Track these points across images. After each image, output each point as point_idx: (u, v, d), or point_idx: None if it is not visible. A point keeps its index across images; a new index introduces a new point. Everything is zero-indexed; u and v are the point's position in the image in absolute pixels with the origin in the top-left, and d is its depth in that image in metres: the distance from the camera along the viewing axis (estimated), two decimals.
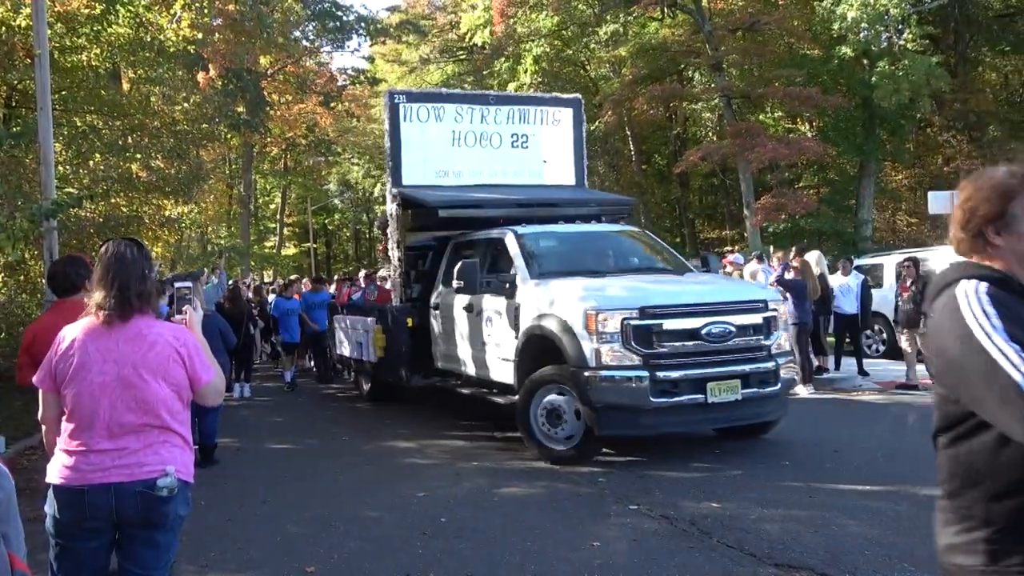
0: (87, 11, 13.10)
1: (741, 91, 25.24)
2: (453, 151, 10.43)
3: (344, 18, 31.96)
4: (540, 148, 10.97)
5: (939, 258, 13.81)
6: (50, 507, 2.88)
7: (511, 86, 29.11)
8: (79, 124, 13.69)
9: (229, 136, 27.77)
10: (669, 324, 7.01)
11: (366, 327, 10.82)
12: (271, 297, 16.66)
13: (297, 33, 32.34)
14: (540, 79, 28.98)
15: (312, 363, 15.32)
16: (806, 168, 28.71)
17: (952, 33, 27.83)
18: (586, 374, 6.92)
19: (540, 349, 7.56)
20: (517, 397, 7.75)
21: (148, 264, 3.03)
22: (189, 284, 3.44)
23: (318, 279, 17.12)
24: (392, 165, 10.13)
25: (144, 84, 16.49)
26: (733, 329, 7.13)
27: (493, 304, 8.41)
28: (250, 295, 15.96)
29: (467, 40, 32.75)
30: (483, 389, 9.04)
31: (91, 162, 14.23)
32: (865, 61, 23.64)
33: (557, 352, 7.30)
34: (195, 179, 17.13)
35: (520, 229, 8.74)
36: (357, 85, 38.63)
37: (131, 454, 2.86)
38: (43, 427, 3.10)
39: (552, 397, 7.32)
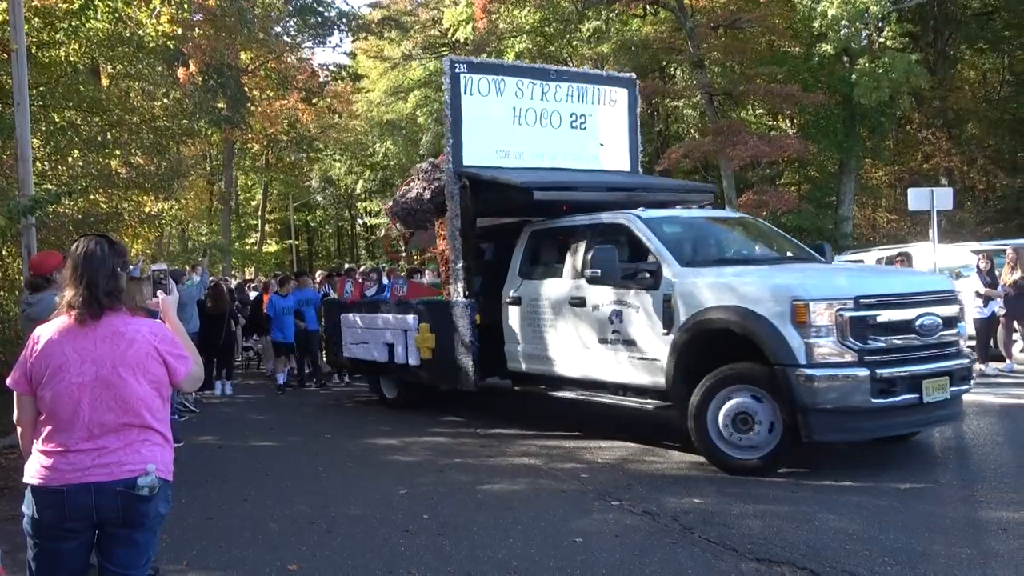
0: (65, 6, 12.97)
1: (723, 88, 25.35)
2: (514, 129, 9.47)
3: (325, 14, 31.88)
4: (598, 130, 10.13)
5: (919, 254, 13.93)
6: (28, 507, 2.85)
7: None
8: (57, 120, 13.55)
9: (210, 132, 27.62)
10: (884, 316, 6.33)
11: (403, 326, 9.73)
12: (252, 295, 16.53)
13: (278, 28, 32.20)
14: None
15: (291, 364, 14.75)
16: (787, 165, 28.89)
17: (931, 31, 28.06)
18: (796, 373, 6.10)
19: (707, 346, 6.77)
20: (663, 402, 7.15)
21: (120, 261, 3.00)
22: (164, 267, 3.42)
23: (301, 272, 16.27)
24: (453, 142, 9.03)
25: (123, 80, 16.37)
26: (940, 321, 6.53)
27: (619, 296, 7.44)
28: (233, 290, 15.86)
29: (449, 36, 32.70)
30: (593, 393, 8.06)
31: (70, 158, 14.11)
32: (845, 59, 23.81)
33: (736, 348, 6.56)
34: (175, 175, 17.04)
35: (643, 213, 7.89)
36: (339, 81, 38.54)
37: (111, 453, 2.84)
38: (19, 429, 3.07)
39: (741, 400, 6.49)
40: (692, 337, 6.79)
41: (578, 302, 7.89)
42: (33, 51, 11.93)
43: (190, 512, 5.95)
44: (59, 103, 13.62)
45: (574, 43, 29.94)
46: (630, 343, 7.38)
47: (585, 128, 10.00)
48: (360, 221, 53.70)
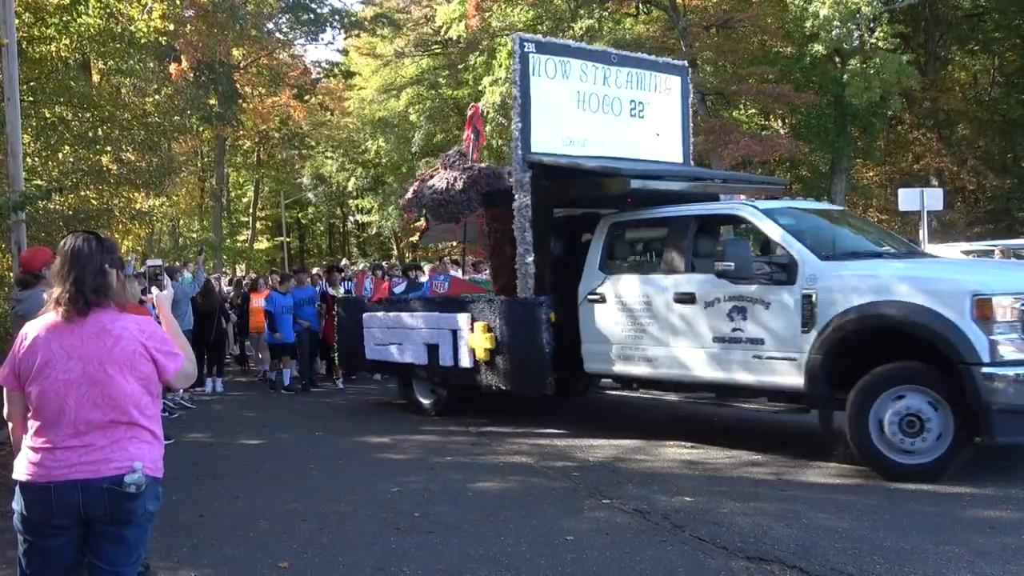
0: (56, 1, 12.92)
1: (715, 88, 25.38)
2: (577, 115, 8.91)
3: (318, 11, 31.78)
4: (654, 119, 9.64)
5: None
6: (17, 504, 2.85)
7: (486, 80, 29.08)
8: (48, 116, 13.51)
9: (201, 129, 27.53)
10: None
11: (451, 325, 8.98)
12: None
13: (270, 25, 32.10)
14: None
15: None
16: (779, 165, 28.95)
17: (922, 32, 28.17)
18: (980, 371, 5.72)
19: (856, 345, 6.42)
20: (793, 404, 6.85)
21: (108, 257, 2.98)
22: (159, 263, 3.42)
23: (299, 269, 15.56)
24: (522, 126, 8.41)
25: (115, 76, 16.32)
26: None
27: (741, 292, 6.96)
28: (227, 289, 15.81)
29: (442, 34, 32.64)
30: (702, 394, 7.66)
31: (60, 154, 14.06)
32: (837, 59, 23.88)
33: (894, 345, 6.26)
34: (166, 172, 16.97)
35: (759, 204, 7.53)
36: (331, 78, 38.48)
37: (98, 450, 2.83)
38: (9, 425, 3.07)
39: (910, 401, 6.09)
40: (844, 335, 6.37)
41: (685, 298, 7.37)
42: (24, 46, 11.89)
43: (181, 509, 5.94)
44: (50, 99, 13.57)
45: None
46: (756, 341, 6.91)
47: (643, 116, 9.55)
48: (352, 219, 53.59)
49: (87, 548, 2.89)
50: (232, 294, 15.34)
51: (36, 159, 13.29)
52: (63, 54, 13.46)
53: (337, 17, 32.57)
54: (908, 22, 27.17)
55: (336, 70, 37.57)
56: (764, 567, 4.49)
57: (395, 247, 45.13)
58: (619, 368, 8.04)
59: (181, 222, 37.29)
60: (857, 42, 23.24)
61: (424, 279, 11.98)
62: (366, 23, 34.47)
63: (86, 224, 12.47)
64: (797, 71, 24.58)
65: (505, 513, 5.67)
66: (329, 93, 39.11)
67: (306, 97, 35.20)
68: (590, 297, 8.18)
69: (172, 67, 23.52)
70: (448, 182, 9.31)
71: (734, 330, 7.06)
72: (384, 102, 36.01)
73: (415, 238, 36.93)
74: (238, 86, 30.24)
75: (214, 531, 5.53)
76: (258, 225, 47.16)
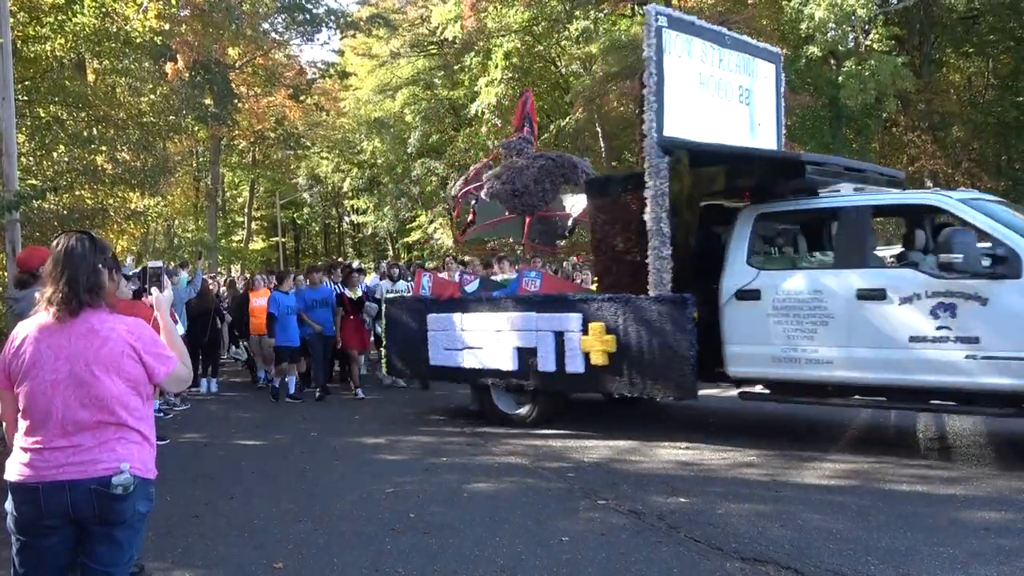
0: (51, 0, 12.90)
1: None
2: (697, 97, 8.30)
3: (314, 11, 31.73)
4: (756, 106, 9.20)
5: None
6: (9, 504, 2.85)
7: (481, 81, 29.10)
8: (43, 115, 13.49)
9: (196, 129, 27.47)
10: None
11: (555, 326, 8.18)
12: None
13: (266, 25, 32.05)
14: (511, 75, 29.00)
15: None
16: None
17: (918, 34, 28.24)
18: None
19: None
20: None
21: (101, 258, 2.98)
22: (159, 264, 3.40)
23: (313, 268, 14.11)
24: (657, 107, 7.72)
25: (110, 75, 16.29)
26: None
27: (948, 287, 6.48)
28: (223, 290, 15.74)
29: (438, 34, 32.66)
30: (891, 399, 7.16)
31: (55, 154, 14.05)
32: (832, 61, 23.95)
33: None
34: (161, 172, 16.96)
35: (957, 195, 7.06)
36: (327, 79, 38.42)
37: (85, 451, 2.82)
38: (2, 425, 3.06)
39: None
40: None
41: (873, 294, 6.80)
42: (18, 45, 11.87)
43: (175, 510, 5.93)
44: (44, 98, 13.56)
45: (562, 43, 29.98)
46: (971, 340, 6.40)
47: (748, 103, 9.11)
48: (347, 219, 53.57)
49: (80, 548, 2.89)
50: (226, 295, 15.27)
51: (31, 159, 13.27)
52: (58, 53, 13.44)
53: (333, 17, 32.52)
54: (903, 24, 27.23)
55: (332, 70, 37.50)
56: (759, 568, 4.50)
57: (391, 247, 45.12)
58: (777, 372, 7.35)
59: (176, 222, 37.24)
60: (852, 44, 23.34)
61: (503, 276, 11.17)
62: (362, 23, 34.43)
63: (81, 224, 12.45)
64: (792, 73, 24.59)
65: (501, 514, 5.67)
66: (325, 93, 39.08)
67: (302, 97, 35.14)
68: (739, 294, 7.48)
69: (167, 67, 23.49)
70: (519, 172, 8.79)
71: (940, 328, 6.53)
72: (380, 103, 36.04)
73: (427, 237, 36.85)
74: (233, 86, 30.17)
75: (209, 531, 5.52)
76: (253, 225, 47.13)
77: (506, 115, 29.98)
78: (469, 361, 8.92)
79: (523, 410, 8.92)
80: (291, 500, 6.26)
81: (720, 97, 8.63)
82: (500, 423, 8.90)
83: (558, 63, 31.83)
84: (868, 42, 23.05)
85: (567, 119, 29.15)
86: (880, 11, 22.71)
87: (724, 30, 9.01)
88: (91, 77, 16.80)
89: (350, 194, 45.73)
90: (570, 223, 10.40)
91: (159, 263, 3.36)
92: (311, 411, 10.61)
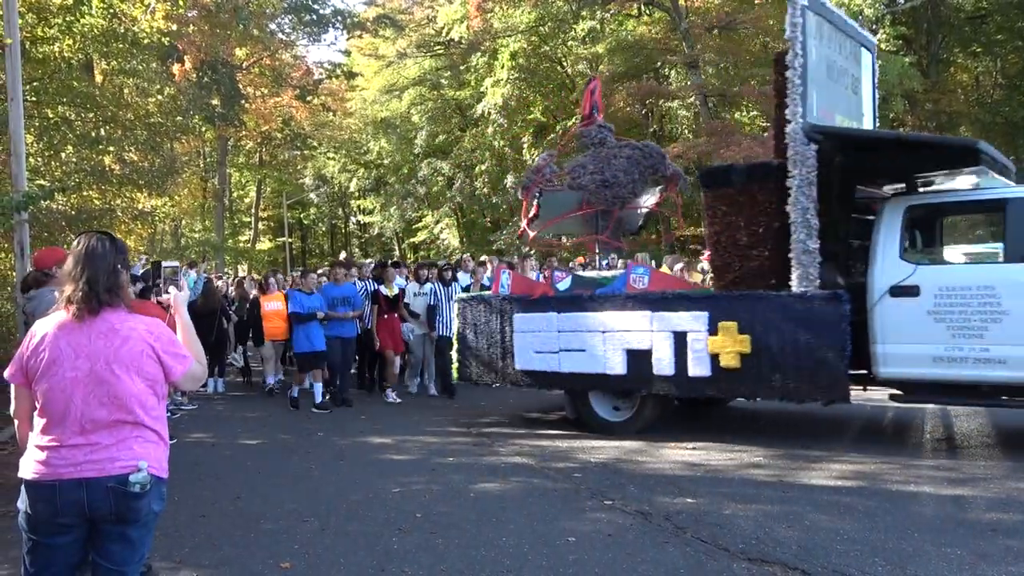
0: (59, 1, 12.94)
1: (717, 89, 25.41)
2: (827, 84, 7.87)
3: (321, 11, 31.84)
4: (862, 96, 8.84)
5: None
6: (22, 503, 2.86)
7: (488, 81, 29.13)
8: (51, 116, 13.54)
9: (203, 129, 27.59)
10: None
11: (675, 326, 7.64)
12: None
13: (273, 26, 32.17)
14: (517, 75, 29.00)
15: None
16: None
17: (925, 34, 28.18)
18: None
19: None
20: None
21: (120, 258, 3.01)
22: (175, 264, 3.44)
23: (338, 263, 13.01)
24: (803, 90, 7.29)
25: (117, 76, 16.35)
26: None
27: None
28: (230, 291, 15.72)
29: (444, 35, 32.70)
30: None
31: (63, 154, 14.10)
32: None
33: None
34: (169, 172, 17.03)
35: None
36: (333, 79, 38.49)
37: (103, 449, 2.84)
38: (15, 421, 3.08)
39: None
40: None
41: None
42: (27, 46, 11.90)
43: (182, 510, 5.95)
44: (53, 99, 13.60)
45: (569, 43, 29.97)
46: None
47: (858, 93, 8.76)
48: (354, 219, 53.62)
49: (91, 547, 2.90)
50: (235, 294, 15.26)
51: (39, 159, 13.32)
52: (66, 54, 13.49)
53: (339, 18, 32.62)
54: (910, 24, 27.17)
55: (338, 71, 37.58)
56: (766, 569, 4.49)
57: (397, 247, 45.17)
58: (938, 372, 6.94)
59: (183, 222, 37.35)
60: None
61: (600, 273, 10.66)
62: (368, 24, 34.52)
63: (88, 224, 12.49)
64: None
65: (507, 514, 5.67)
66: (331, 94, 39.14)
67: (308, 98, 35.22)
68: (893, 291, 7.10)
69: (175, 67, 23.57)
70: (606, 162, 8.45)
71: None
72: (386, 103, 36.10)
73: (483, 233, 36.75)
74: (240, 86, 30.29)
75: (216, 531, 5.53)
76: (260, 225, 47.27)
77: (513, 115, 30.03)
78: (567, 365, 8.30)
79: (626, 417, 8.36)
80: (297, 500, 6.26)
81: (839, 85, 8.24)
82: (600, 431, 8.32)
83: (564, 63, 31.84)
84: (875, 41, 23.00)
85: (573, 119, 29.08)
86: (887, 11, 22.66)
87: (845, 16, 8.51)
88: (99, 78, 16.86)
89: (356, 194, 45.83)
90: (642, 218, 9.91)
91: (175, 263, 3.39)
92: (316, 412, 10.60)
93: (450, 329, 11.07)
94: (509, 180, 30.94)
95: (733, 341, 7.33)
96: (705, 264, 12.99)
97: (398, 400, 11.05)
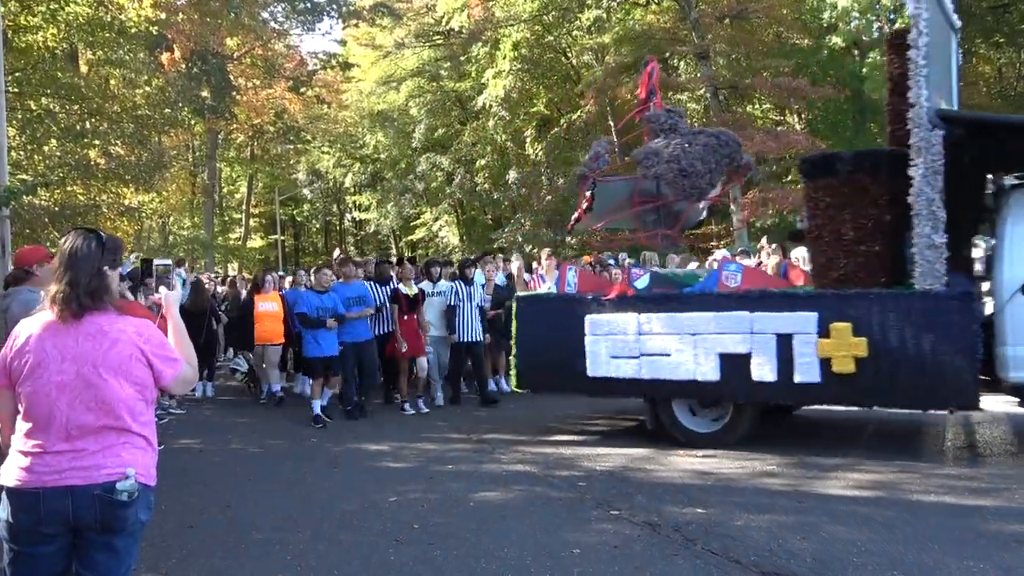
0: None
1: (728, 81, 25.37)
2: (934, 67, 7.54)
3: None
4: (951, 82, 8.48)
5: None
6: (4, 511, 2.85)
7: (489, 73, 29.11)
8: (34, 108, 13.55)
9: (193, 122, 27.61)
10: None
11: (781, 327, 7.28)
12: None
13: (265, 14, 32.23)
14: (519, 66, 28.98)
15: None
16: (794, 162, 28.92)
17: None
18: None
19: None
20: None
21: (107, 259, 3.00)
22: (168, 263, 3.44)
23: (348, 260, 12.07)
24: (927, 72, 7.00)
25: (103, 66, 16.38)
26: None
27: None
28: (222, 289, 15.67)
29: (444, 24, 32.67)
30: None
31: (46, 148, 14.11)
32: (856, 51, 23.85)
33: None
34: (156, 167, 17.05)
35: None
36: (328, 70, 38.52)
37: (89, 456, 2.83)
38: None
39: None
40: None
41: None
42: (9, 35, 11.91)
43: (169, 519, 5.93)
44: (36, 90, 13.62)
45: (574, 32, 29.97)
46: None
47: (949, 77, 8.45)
48: (349, 216, 53.61)
49: (76, 557, 2.89)
50: (226, 292, 15.22)
51: (21, 153, 13.33)
52: (50, 44, 13.50)
53: (334, 6, 32.67)
54: None
55: (333, 61, 37.65)
56: None
57: (394, 245, 45.17)
58: None
59: (171, 219, 37.40)
60: (877, 34, 23.22)
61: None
62: (365, 12, 34.53)
63: (73, 220, 12.50)
64: (814, 64, 24.58)
65: (508, 524, 5.65)
66: (326, 85, 39.15)
67: (302, 89, 35.27)
68: None
69: (163, 57, 23.59)
70: (683, 150, 8.16)
71: None
72: (383, 95, 36.05)
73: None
74: (231, 77, 30.31)
75: (205, 541, 5.52)
76: (251, 222, 47.28)
77: (515, 108, 30.02)
78: (649, 370, 7.88)
79: (717, 427, 8.00)
80: (289, 509, 6.25)
81: (942, 67, 7.94)
82: (687, 444, 7.94)
83: (569, 54, 31.82)
84: (959, 24, 23.00)
85: (578, 112, 29.10)
86: None
87: None
88: (84, 68, 16.88)
89: (352, 190, 45.79)
90: (704, 210, 9.56)
91: (168, 261, 3.39)
92: (308, 416, 10.57)
93: (475, 333, 11.01)
94: (511, 175, 30.94)
95: (847, 344, 7.01)
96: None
97: (425, 410, 10.58)
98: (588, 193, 8.73)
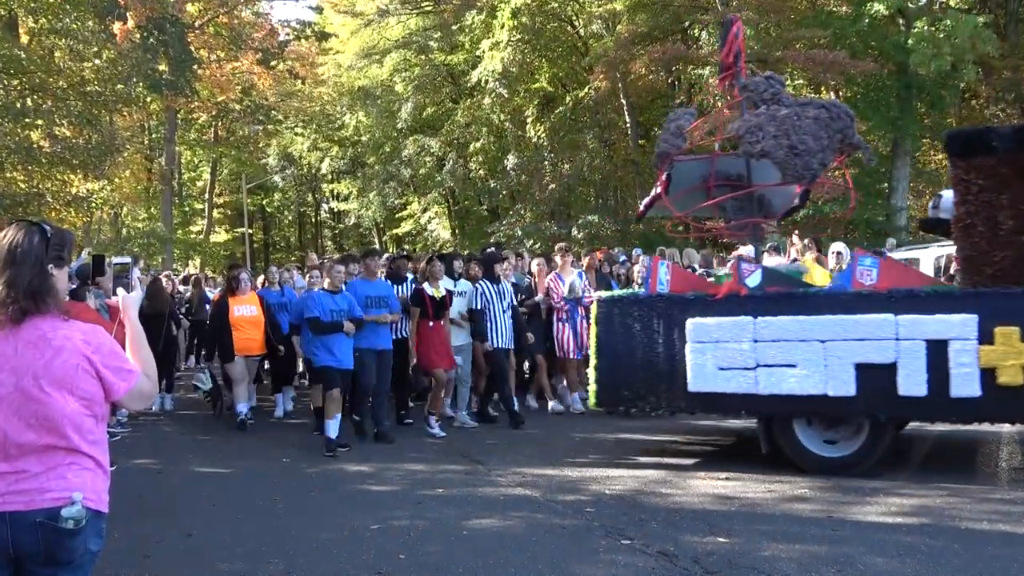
0: None
1: (756, 54, 25.36)
2: None
3: None
4: None
5: None
6: None
7: (485, 44, 29.12)
8: None
9: (149, 99, 27.58)
10: None
11: (931, 333, 6.98)
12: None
13: None
14: (519, 36, 28.98)
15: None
16: None
17: None
18: None
19: None
20: None
21: (52, 255, 2.98)
22: (128, 261, 3.42)
23: (371, 252, 11.58)
24: None
25: (47, 36, 16.37)
26: None
27: None
28: (184, 288, 15.61)
29: None
30: None
31: None
32: (901, 21, 23.85)
33: None
34: (107, 150, 17.05)
35: None
36: (302, 40, 38.52)
37: (31, 478, 2.82)
38: None
39: None
40: None
41: None
42: None
43: (122, 548, 5.94)
44: None
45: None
46: None
47: None
48: (326, 206, 53.64)
49: None
50: (190, 294, 15.18)
51: None
52: None
53: None
54: None
55: (308, 31, 37.64)
56: None
57: (377, 239, 45.20)
58: None
59: (125, 210, 37.39)
60: (924, 0, 23.23)
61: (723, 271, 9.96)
62: None
63: (12, 211, 12.50)
64: (853, 34, 24.56)
65: (506, 556, 5.68)
66: (300, 58, 39.18)
67: (273, 63, 35.27)
68: None
69: (116, 26, 23.56)
70: (788, 124, 7.94)
71: None
72: (365, 69, 36.08)
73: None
74: (192, 49, 30.27)
75: (163, 574, 5.54)
76: (215, 213, 47.25)
77: (514, 84, 30.03)
78: (767, 384, 7.47)
79: (850, 451, 7.61)
80: (259, 537, 6.27)
81: None
82: (811, 471, 7.57)
83: (576, 23, 31.84)
84: None
85: (586, 89, 29.13)
86: None
87: None
88: (25, 38, 16.89)
89: (329, 177, 45.86)
90: (796, 195, 9.33)
91: (127, 259, 3.38)
92: (281, 433, 10.61)
93: (508, 340, 10.68)
94: (509, 161, 30.94)
95: (1017, 351, 6.69)
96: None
97: (443, 433, 10.03)
98: (665, 175, 8.48)
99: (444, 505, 7.04)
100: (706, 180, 8.93)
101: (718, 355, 7.60)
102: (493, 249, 13.42)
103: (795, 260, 12.17)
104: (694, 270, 13.44)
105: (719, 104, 30.23)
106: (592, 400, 8.59)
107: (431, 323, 10.16)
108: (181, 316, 13.78)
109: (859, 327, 7.17)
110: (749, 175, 8.94)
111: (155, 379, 3.15)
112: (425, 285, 10.40)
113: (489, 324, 10.60)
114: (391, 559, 5.67)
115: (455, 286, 10.89)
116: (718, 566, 5.33)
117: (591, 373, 8.46)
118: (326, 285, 9.83)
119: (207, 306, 13.48)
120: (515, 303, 11.13)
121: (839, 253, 11.63)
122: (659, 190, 8.77)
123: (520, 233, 29.38)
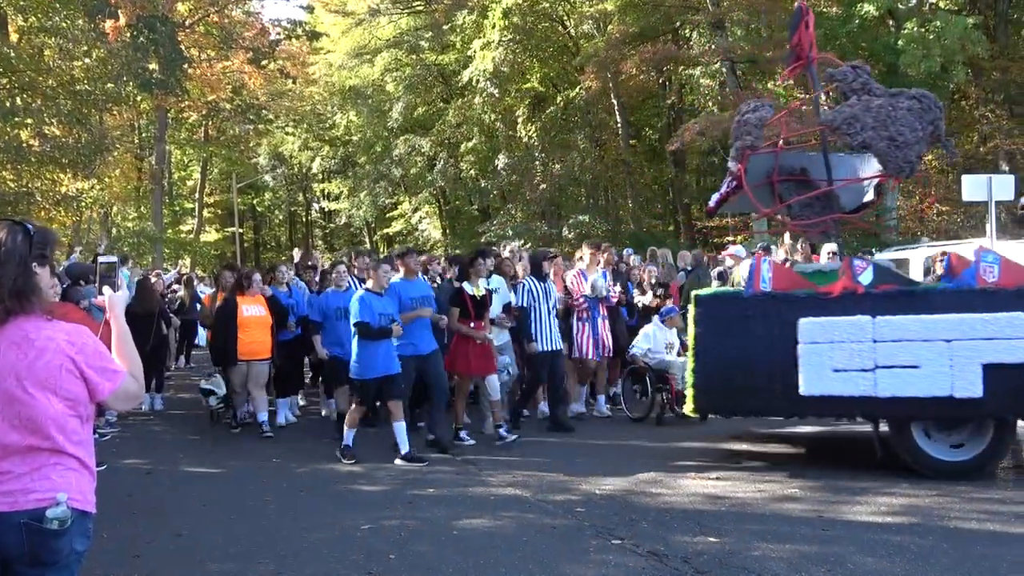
0: None
1: (746, 54, 25.45)
2: None
3: None
4: None
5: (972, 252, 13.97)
6: None
7: (476, 44, 29.12)
8: None
9: (139, 98, 27.52)
10: None
11: None
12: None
13: None
14: (510, 36, 28.99)
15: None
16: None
17: None
18: None
19: None
20: None
21: (36, 254, 2.97)
22: (113, 259, 3.39)
23: (408, 251, 10.22)
24: None
25: (37, 34, 16.30)
26: None
27: None
28: (176, 287, 15.57)
29: None
30: None
31: None
32: (891, 21, 23.90)
33: None
34: (97, 149, 16.98)
35: None
36: (293, 40, 38.47)
37: (15, 479, 2.82)
38: None
39: None
40: None
41: None
42: None
43: (111, 548, 5.93)
44: None
45: None
46: None
47: None
48: (316, 206, 53.59)
49: None
50: (183, 294, 15.15)
51: None
52: None
53: None
54: None
55: (299, 30, 37.59)
56: None
57: (368, 239, 45.16)
58: None
59: (114, 209, 37.27)
60: (914, 2, 23.30)
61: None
62: None
63: (2, 211, 12.44)
64: (843, 35, 24.62)
65: (496, 555, 5.67)
66: (291, 57, 39.14)
67: (263, 62, 35.23)
68: None
69: (106, 25, 23.49)
70: (886, 115, 7.74)
71: None
72: (356, 68, 36.07)
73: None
74: (183, 48, 30.20)
75: (152, 574, 5.52)
76: (205, 213, 47.17)
77: (505, 84, 30.03)
78: (887, 386, 7.15)
79: (971, 455, 7.39)
80: (249, 537, 6.26)
81: None
82: (931, 474, 7.34)
83: (567, 23, 31.86)
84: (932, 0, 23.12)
85: (577, 89, 29.14)
86: None
87: None
88: (14, 36, 16.82)
89: (320, 177, 45.79)
90: (868, 190, 9.08)
91: (112, 258, 3.34)
92: (273, 433, 10.54)
93: (556, 342, 10.16)
94: (500, 160, 30.96)
95: None
96: (729, 261, 12.95)
97: (472, 441, 9.54)
98: (742, 169, 8.32)
99: (435, 505, 7.03)
100: (770, 175, 8.78)
101: (834, 356, 7.28)
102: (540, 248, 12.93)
103: (786, 260, 12.19)
104: (687, 271, 13.48)
105: (710, 104, 30.35)
106: (689, 407, 8.13)
107: (471, 324, 9.59)
108: (171, 315, 13.74)
109: (987, 326, 6.95)
110: (828, 168, 8.69)
111: (141, 379, 3.14)
112: (465, 284, 9.81)
113: (534, 325, 10.12)
114: (381, 559, 5.66)
115: (488, 284, 10.16)
116: (708, 566, 5.33)
117: (688, 378, 8.02)
118: (371, 286, 9.09)
119: (198, 305, 13.46)
120: (558, 304, 10.53)
121: (834, 253, 11.59)
122: (729, 186, 8.59)
123: (511, 233, 29.36)
